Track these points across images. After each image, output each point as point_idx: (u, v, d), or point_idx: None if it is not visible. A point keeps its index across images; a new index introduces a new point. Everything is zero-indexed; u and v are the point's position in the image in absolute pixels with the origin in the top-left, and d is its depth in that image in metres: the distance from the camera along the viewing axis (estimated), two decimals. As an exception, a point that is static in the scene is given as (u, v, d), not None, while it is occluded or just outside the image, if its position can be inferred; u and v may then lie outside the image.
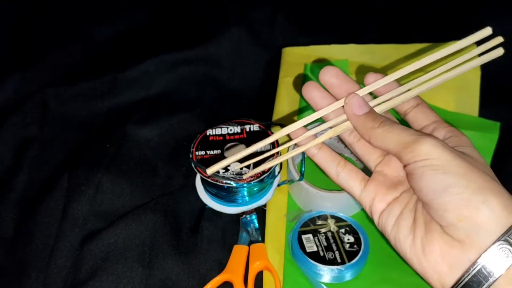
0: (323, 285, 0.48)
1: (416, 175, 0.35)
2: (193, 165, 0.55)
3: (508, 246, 0.32)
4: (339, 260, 0.49)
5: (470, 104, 0.63)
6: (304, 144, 0.43)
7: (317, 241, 0.50)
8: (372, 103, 0.41)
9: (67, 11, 0.78)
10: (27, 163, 0.60)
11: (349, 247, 0.50)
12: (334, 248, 0.50)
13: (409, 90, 0.41)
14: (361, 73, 0.65)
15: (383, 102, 0.41)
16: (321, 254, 0.49)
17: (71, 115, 0.66)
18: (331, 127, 0.43)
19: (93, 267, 0.52)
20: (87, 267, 0.52)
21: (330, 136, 0.42)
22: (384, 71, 0.66)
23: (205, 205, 0.56)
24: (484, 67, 0.64)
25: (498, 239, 0.32)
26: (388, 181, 0.40)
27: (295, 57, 0.69)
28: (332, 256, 0.49)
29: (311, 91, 0.43)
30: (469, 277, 0.32)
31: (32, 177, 0.60)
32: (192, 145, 0.56)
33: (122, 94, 0.68)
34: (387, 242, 0.52)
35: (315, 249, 0.50)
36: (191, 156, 0.55)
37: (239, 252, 0.52)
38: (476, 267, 0.32)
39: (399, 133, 0.36)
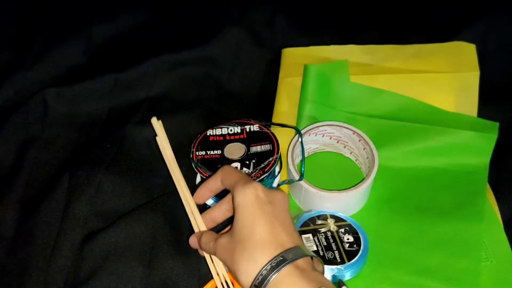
0: (322, 284, 0.49)
1: None
2: (193, 165, 0.55)
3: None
4: (338, 260, 0.49)
5: (469, 104, 0.63)
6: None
7: (316, 240, 0.51)
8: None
9: (68, 11, 0.78)
10: (28, 163, 0.61)
11: (349, 246, 0.50)
12: (334, 247, 0.50)
13: None
14: (360, 74, 0.65)
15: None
16: (321, 253, 0.50)
17: (72, 115, 0.66)
18: None
19: (93, 267, 0.52)
20: (87, 267, 0.52)
21: None
22: (383, 71, 0.66)
23: (205, 205, 0.56)
24: (483, 68, 0.65)
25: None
26: None
27: (295, 58, 0.69)
28: (331, 255, 0.49)
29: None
30: None
31: (33, 176, 0.60)
32: (193, 145, 0.56)
33: (123, 95, 0.68)
34: (387, 242, 0.53)
35: (314, 248, 0.50)
36: (191, 156, 0.55)
37: (239, 251, 0.52)
38: None
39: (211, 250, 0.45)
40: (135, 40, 0.75)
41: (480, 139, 0.58)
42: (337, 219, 0.53)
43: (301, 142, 0.56)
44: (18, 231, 0.56)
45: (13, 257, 0.54)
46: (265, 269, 0.39)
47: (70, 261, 0.53)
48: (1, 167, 0.61)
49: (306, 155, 0.60)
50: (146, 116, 0.65)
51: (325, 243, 0.50)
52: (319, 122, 0.60)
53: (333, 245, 0.50)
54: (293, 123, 0.61)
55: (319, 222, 0.52)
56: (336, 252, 0.50)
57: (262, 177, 0.52)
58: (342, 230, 0.52)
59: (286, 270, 0.38)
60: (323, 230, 0.52)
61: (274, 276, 0.38)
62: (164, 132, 0.51)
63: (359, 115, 0.62)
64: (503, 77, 0.67)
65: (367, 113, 0.63)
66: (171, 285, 0.51)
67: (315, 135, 0.59)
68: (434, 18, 0.75)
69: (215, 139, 0.57)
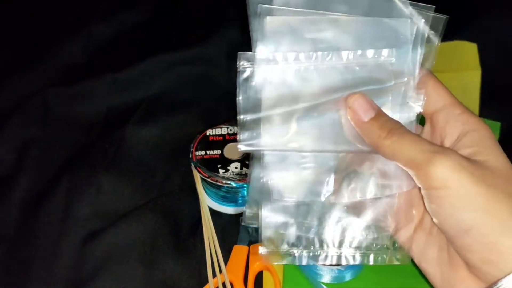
0: (323, 285, 0.49)
1: (433, 205, 0.31)
2: (193, 165, 0.55)
3: None
4: (338, 260, 0.49)
5: (470, 104, 0.63)
6: None
7: (317, 241, 0.51)
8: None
9: (67, 10, 0.78)
10: (28, 164, 0.61)
11: (349, 247, 0.50)
12: (334, 248, 0.50)
13: None
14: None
15: None
16: (321, 254, 0.49)
17: (72, 115, 0.66)
18: None
19: (94, 267, 0.52)
20: (88, 267, 0.52)
21: None
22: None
23: (211, 209, 0.56)
24: (484, 68, 0.65)
25: None
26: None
27: (294, 57, 0.69)
28: (331, 256, 0.49)
29: None
30: None
31: (33, 177, 0.60)
32: (192, 145, 0.56)
33: (122, 94, 0.68)
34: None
35: (314, 249, 0.50)
36: (190, 156, 0.55)
37: (239, 252, 0.52)
38: None
39: (409, 148, 0.31)
40: (133, 39, 0.75)
41: (480, 139, 0.58)
42: (337, 219, 0.53)
43: (301, 142, 0.56)
44: (19, 232, 0.56)
45: (14, 258, 0.54)
46: None
47: (70, 261, 0.53)
48: (1, 167, 0.61)
49: (306, 155, 0.60)
50: (145, 116, 0.65)
51: (325, 244, 0.50)
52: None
53: (333, 245, 0.50)
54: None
55: (319, 222, 0.52)
56: (336, 253, 0.50)
57: (262, 177, 0.52)
58: (342, 230, 0.52)
59: None
60: (323, 230, 0.52)
61: None
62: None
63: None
64: (503, 77, 0.67)
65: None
66: (171, 286, 0.51)
67: (315, 135, 0.59)
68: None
69: (214, 139, 0.57)
